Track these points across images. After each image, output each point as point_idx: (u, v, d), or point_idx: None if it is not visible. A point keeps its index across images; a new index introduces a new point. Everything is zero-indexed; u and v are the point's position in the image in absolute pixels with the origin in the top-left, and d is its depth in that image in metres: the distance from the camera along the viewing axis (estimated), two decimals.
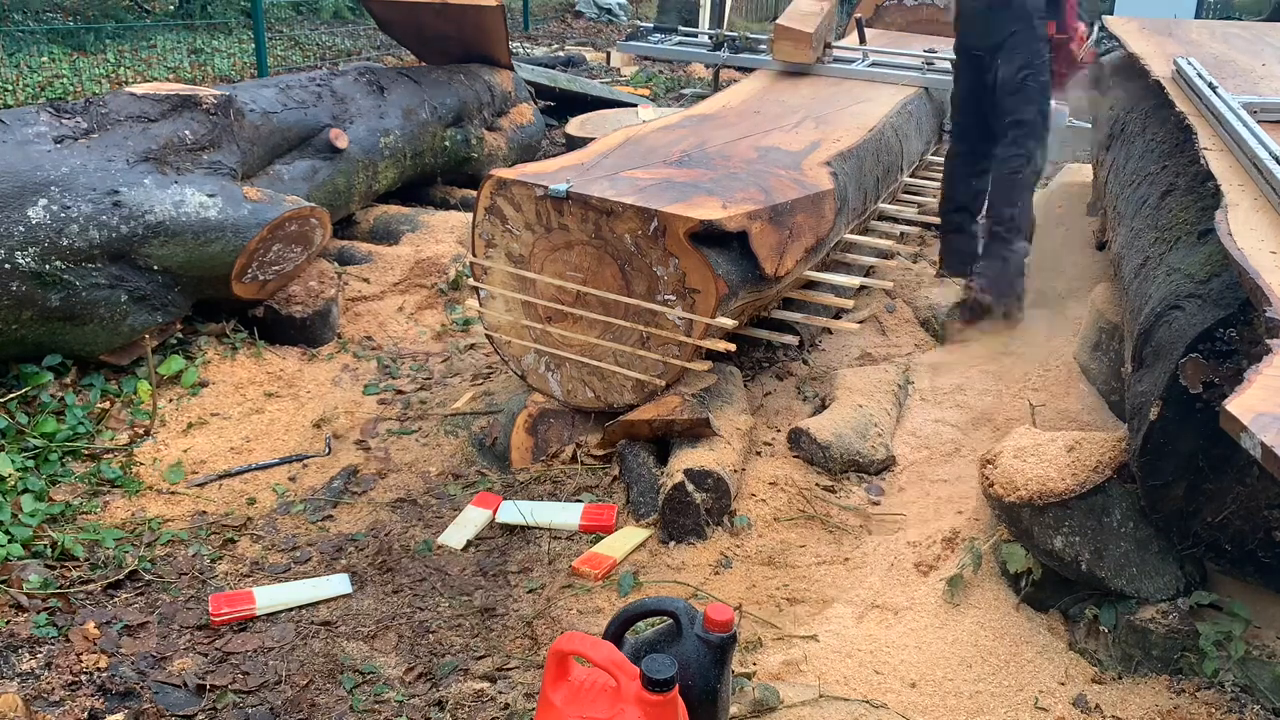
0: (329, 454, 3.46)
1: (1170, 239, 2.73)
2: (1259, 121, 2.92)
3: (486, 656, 2.46)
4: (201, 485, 3.25)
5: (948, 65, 5.12)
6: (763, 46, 5.46)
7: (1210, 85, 3.33)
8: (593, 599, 2.65)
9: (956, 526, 2.75)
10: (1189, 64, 3.65)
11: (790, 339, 3.68)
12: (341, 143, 4.80)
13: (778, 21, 5.41)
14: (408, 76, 5.64)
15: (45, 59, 8.28)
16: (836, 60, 5.59)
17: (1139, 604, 2.31)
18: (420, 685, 2.37)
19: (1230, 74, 3.80)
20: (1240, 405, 1.58)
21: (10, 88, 7.42)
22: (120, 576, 2.74)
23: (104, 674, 2.35)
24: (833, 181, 3.55)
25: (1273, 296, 1.88)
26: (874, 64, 5.60)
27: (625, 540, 2.86)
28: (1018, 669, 2.33)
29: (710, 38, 5.80)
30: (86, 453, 3.28)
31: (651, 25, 6.09)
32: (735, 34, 5.81)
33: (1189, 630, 2.24)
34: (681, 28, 6.14)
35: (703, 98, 5.40)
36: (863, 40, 5.95)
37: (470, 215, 3.40)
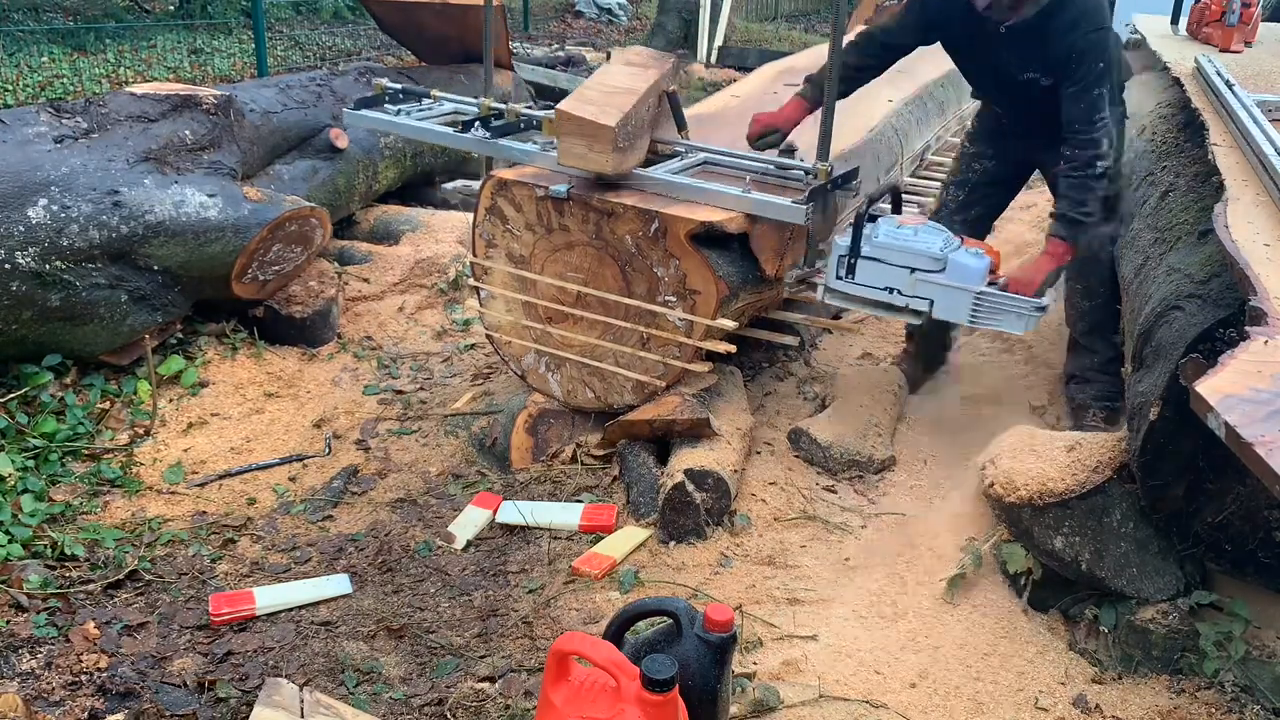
0: (329, 454, 3.46)
1: (1170, 239, 2.73)
2: (1271, 120, 2.93)
3: (487, 656, 2.46)
4: (201, 485, 3.25)
5: (803, 173, 3.20)
6: (540, 125, 3.48)
7: (1227, 83, 3.34)
8: (593, 599, 2.65)
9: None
10: (1209, 61, 3.65)
11: (790, 339, 3.67)
12: (341, 143, 4.80)
13: (558, 107, 3.04)
14: (408, 76, 5.63)
15: (45, 59, 8.27)
16: (659, 158, 3.40)
17: (1139, 604, 2.31)
18: (420, 685, 2.37)
19: (1252, 74, 3.82)
20: (1209, 387, 1.62)
21: (10, 88, 7.41)
22: (120, 576, 2.74)
23: (104, 674, 2.34)
24: None
25: (1259, 286, 1.90)
26: (706, 164, 3.38)
27: (625, 540, 2.86)
28: (1018, 669, 2.33)
29: (476, 108, 3.70)
30: (86, 453, 3.28)
31: (399, 87, 4.05)
32: (502, 107, 3.63)
33: (1189, 630, 2.25)
34: (438, 92, 4.03)
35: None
36: (681, 127, 3.49)
37: (470, 215, 3.40)
